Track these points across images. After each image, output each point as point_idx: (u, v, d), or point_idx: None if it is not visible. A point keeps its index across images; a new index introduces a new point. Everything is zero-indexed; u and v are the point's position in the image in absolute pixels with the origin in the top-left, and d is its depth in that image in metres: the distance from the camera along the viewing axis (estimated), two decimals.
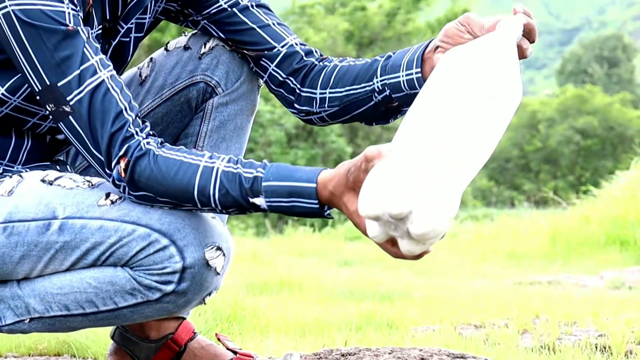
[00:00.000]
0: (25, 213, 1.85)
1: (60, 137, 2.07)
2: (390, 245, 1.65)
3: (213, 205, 1.78)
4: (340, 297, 4.65)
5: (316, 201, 1.73)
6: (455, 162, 1.61)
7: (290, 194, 1.74)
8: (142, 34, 2.09)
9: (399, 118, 2.09)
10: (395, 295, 4.69)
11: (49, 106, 1.80)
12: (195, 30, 2.17)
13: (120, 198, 1.84)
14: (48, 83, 1.78)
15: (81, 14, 1.83)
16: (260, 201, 1.76)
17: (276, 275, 5.28)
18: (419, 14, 29.85)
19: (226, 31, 2.12)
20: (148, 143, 1.79)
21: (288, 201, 1.75)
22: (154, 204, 1.82)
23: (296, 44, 2.11)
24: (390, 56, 2.05)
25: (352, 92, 2.06)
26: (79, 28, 1.79)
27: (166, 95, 2.16)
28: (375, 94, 2.04)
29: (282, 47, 2.10)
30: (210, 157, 1.79)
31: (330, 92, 2.09)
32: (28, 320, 1.89)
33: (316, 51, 2.14)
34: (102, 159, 1.80)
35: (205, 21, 2.13)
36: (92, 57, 1.79)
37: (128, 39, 2.05)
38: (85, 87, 1.78)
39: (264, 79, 2.14)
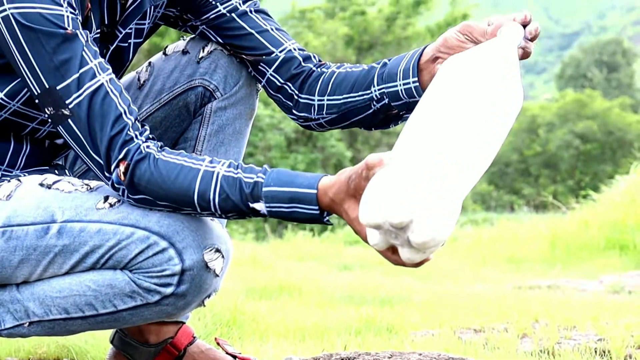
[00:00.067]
0: (24, 217, 1.85)
1: (59, 141, 2.07)
2: (391, 253, 1.65)
3: (213, 209, 1.78)
4: (339, 302, 4.65)
5: (316, 207, 1.74)
6: (455, 171, 1.61)
7: (291, 200, 1.74)
8: (141, 40, 2.09)
9: (400, 124, 2.09)
10: (394, 300, 4.68)
11: (48, 110, 1.80)
12: (194, 35, 2.17)
13: (118, 201, 1.84)
14: (47, 86, 1.79)
15: (80, 18, 1.83)
16: (260, 206, 1.76)
17: (276, 279, 5.28)
18: (418, 19, 29.85)
19: (225, 36, 2.12)
20: (148, 147, 1.79)
21: (288, 207, 1.75)
22: (153, 208, 1.82)
23: (294, 49, 2.12)
24: (386, 63, 2.04)
25: (350, 99, 2.06)
26: (77, 31, 1.79)
27: (165, 100, 2.17)
28: (374, 103, 2.04)
29: (280, 52, 2.10)
30: (211, 162, 1.79)
31: (328, 100, 2.09)
32: (27, 324, 1.89)
33: (314, 56, 2.14)
34: (101, 162, 1.80)
35: (204, 26, 2.13)
36: (91, 61, 1.79)
37: (126, 44, 2.05)
38: (84, 91, 1.78)
39: (262, 84, 2.14)
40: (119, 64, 2.07)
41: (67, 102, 1.78)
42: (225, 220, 2.15)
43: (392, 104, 2.02)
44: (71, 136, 1.81)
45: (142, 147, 1.78)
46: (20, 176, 1.95)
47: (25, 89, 1.90)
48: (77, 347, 2.71)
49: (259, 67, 2.11)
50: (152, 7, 2.07)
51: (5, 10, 1.77)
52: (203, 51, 2.14)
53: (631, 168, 10.50)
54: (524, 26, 1.89)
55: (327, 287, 5.28)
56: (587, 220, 8.95)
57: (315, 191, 1.73)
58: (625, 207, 8.81)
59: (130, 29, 2.04)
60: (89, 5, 1.90)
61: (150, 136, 1.82)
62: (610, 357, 2.65)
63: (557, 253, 8.52)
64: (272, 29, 2.12)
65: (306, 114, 2.12)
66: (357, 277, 6.30)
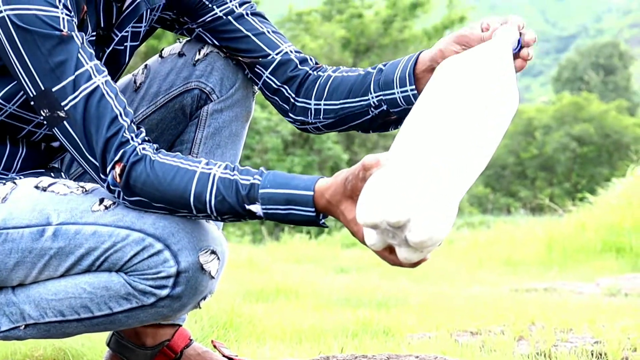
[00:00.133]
0: (19, 220, 1.84)
1: (55, 144, 2.07)
2: (388, 253, 1.65)
3: (209, 211, 1.78)
4: (336, 304, 4.65)
5: (313, 209, 1.74)
6: (452, 171, 1.61)
7: (287, 202, 1.74)
8: (138, 42, 2.09)
9: (399, 127, 2.08)
10: (391, 302, 4.68)
11: (44, 111, 1.80)
12: (190, 38, 2.17)
13: (114, 203, 1.84)
14: (43, 88, 1.78)
15: (75, 20, 1.83)
16: (256, 208, 1.76)
17: (272, 282, 5.28)
18: (415, 21, 29.86)
19: (221, 39, 2.12)
20: (144, 149, 1.79)
21: (284, 209, 1.75)
22: (149, 210, 1.82)
23: (291, 52, 2.12)
24: (381, 69, 2.04)
25: (347, 105, 2.07)
26: (73, 33, 1.79)
27: (160, 102, 2.17)
28: (372, 109, 2.04)
29: (277, 54, 2.10)
30: (207, 164, 1.79)
31: (325, 104, 2.09)
32: (23, 326, 1.88)
33: (311, 59, 2.14)
34: (97, 164, 1.79)
35: (200, 29, 2.13)
36: (87, 63, 1.79)
37: (123, 47, 2.05)
38: (80, 93, 1.78)
39: (259, 86, 2.14)
40: (115, 67, 2.07)
41: (62, 104, 1.78)
42: (222, 223, 2.15)
43: (391, 110, 2.03)
44: (67, 138, 1.81)
45: (138, 149, 1.78)
46: (16, 179, 1.95)
47: (22, 92, 1.90)
48: (73, 350, 2.71)
49: (255, 69, 2.12)
50: (149, 10, 2.06)
51: (1, 12, 1.77)
52: (199, 53, 2.14)
53: (628, 171, 10.52)
54: (520, 33, 1.90)
55: (324, 289, 5.28)
56: (584, 223, 8.96)
57: (311, 193, 1.73)
58: (621, 210, 8.82)
59: (127, 32, 2.04)
60: (85, 7, 1.90)
61: (146, 138, 1.82)
62: None
63: (554, 256, 8.52)
64: (268, 32, 2.12)
65: (303, 118, 2.12)
66: (354, 280, 6.30)
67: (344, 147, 26.39)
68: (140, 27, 2.07)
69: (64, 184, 1.90)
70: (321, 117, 2.10)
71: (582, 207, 10.62)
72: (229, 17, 2.11)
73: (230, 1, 2.12)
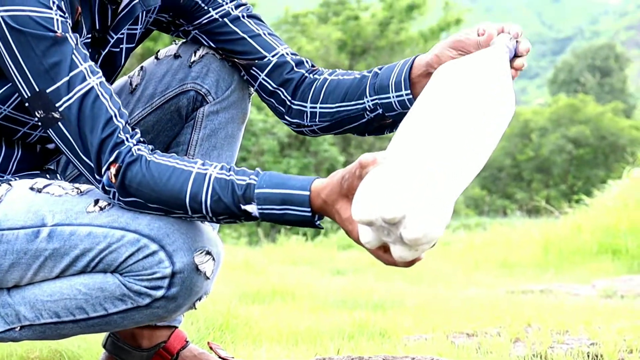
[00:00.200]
0: (14, 221, 1.84)
1: (51, 146, 2.07)
2: (382, 252, 1.65)
3: (204, 212, 1.78)
4: (332, 306, 4.65)
5: (308, 209, 1.74)
6: (448, 172, 1.62)
7: (283, 202, 1.74)
8: (133, 45, 2.09)
9: (395, 131, 2.09)
10: (387, 304, 4.68)
11: (38, 113, 1.80)
12: (186, 40, 2.17)
13: (109, 204, 1.84)
14: (37, 89, 1.78)
15: (69, 21, 1.83)
16: (252, 208, 1.76)
17: (269, 284, 5.28)
18: (411, 24, 29.88)
19: (217, 41, 2.12)
20: (139, 149, 1.79)
21: (280, 209, 1.75)
22: (144, 211, 1.82)
23: (287, 54, 2.12)
24: (377, 73, 2.05)
25: (343, 108, 2.07)
26: (67, 35, 1.79)
27: (156, 104, 2.16)
28: (367, 112, 2.04)
29: (273, 56, 2.11)
30: (203, 164, 1.79)
31: (320, 107, 2.09)
32: (19, 328, 1.88)
33: (307, 61, 2.14)
34: (92, 165, 1.79)
35: (196, 31, 2.13)
36: (81, 64, 1.79)
37: (118, 50, 2.05)
38: (74, 94, 1.77)
39: (255, 88, 2.14)
40: (111, 69, 2.07)
41: (57, 105, 1.78)
42: (218, 225, 2.15)
43: (386, 114, 2.03)
44: (61, 139, 1.81)
45: (133, 150, 1.78)
46: (11, 180, 1.95)
47: (17, 94, 1.90)
48: (69, 352, 2.71)
49: (251, 71, 2.12)
50: (144, 12, 2.06)
51: None
52: (195, 55, 2.14)
53: (624, 173, 10.53)
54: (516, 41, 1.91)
55: (320, 291, 5.28)
56: (580, 225, 8.96)
57: (307, 193, 1.73)
58: (617, 212, 8.83)
59: (122, 34, 2.04)
60: (79, 9, 1.90)
61: (141, 139, 1.82)
62: None
63: (550, 257, 8.53)
64: (264, 34, 2.12)
65: (299, 120, 2.12)
66: (350, 282, 6.30)
67: (340, 149, 26.40)
68: (136, 29, 2.07)
69: (59, 186, 1.90)
70: (317, 120, 2.11)
71: (578, 209, 10.62)
72: (225, 20, 2.11)
73: (226, 3, 2.12)
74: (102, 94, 1.80)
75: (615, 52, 65.95)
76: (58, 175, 2.13)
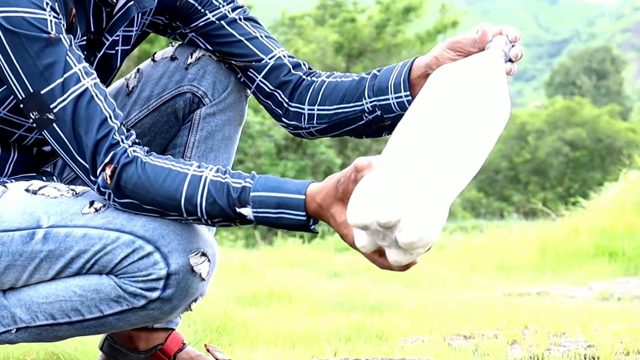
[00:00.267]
0: (10, 223, 1.84)
1: (47, 149, 2.07)
2: (378, 256, 1.65)
3: (199, 214, 1.78)
4: (329, 308, 4.65)
5: (303, 213, 1.74)
6: (443, 175, 1.62)
7: (278, 205, 1.74)
8: (129, 47, 2.08)
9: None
10: (384, 306, 4.68)
11: (33, 114, 1.80)
12: (183, 42, 2.17)
13: (104, 206, 1.84)
14: (31, 91, 1.78)
15: (63, 22, 1.83)
16: (247, 211, 1.76)
17: (265, 286, 5.28)
18: (408, 26, 29.90)
19: (214, 43, 2.12)
20: (135, 151, 1.79)
21: (275, 212, 1.75)
22: (139, 212, 1.82)
23: (284, 56, 2.12)
24: (375, 75, 2.05)
25: (340, 110, 2.07)
26: (61, 36, 1.79)
27: (153, 106, 2.16)
28: (366, 114, 2.04)
29: (270, 58, 2.10)
30: (199, 167, 1.79)
31: (318, 109, 2.09)
32: (15, 330, 1.88)
33: (304, 64, 2.14)
34: (87, 166, 1.79)
35: (193, 34, 2.13)
36: (75, 65, 1.79)
37: (114, 52, 2.05)
38: (69, 95, 1.77)
39: (252, 90, 2.14)
40: (107, 71, 2.06)
41: (51, 106, 1.78)
42: (215, 228, 2.15)
43: (385, 116, 2.03)
44: (56, 140, 1.80)
45: (129, 151, 1.78)
46: (7, 182, 1.95)
47: (12, 96, 1.90)
48: (66, 354, 2.70)
49: (248, 73, 2.12)
50: (140, 14, 2.06)
51: None
52: (191, 57, 2.14)
53: (620, 175, 10.54)
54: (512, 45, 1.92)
55: (317, 294, 5.28)
56: (577, 227, 8.97)
57: (303, 197, 1.73)
58: (614, 214, 8.83)
59: (118, 36, 2.03)
60: (74, 10, 1.90)
61: (137, 141, 1.82)
62: None
63: (547, 260, 8.53)
64: (261, 36, 2.12)
65: (296, 123, 2.12)
66: (347, 284, 6.29)
67: (337, 151, 26.41)
68: (132, 31, 2.06)
69: (55, 187, 1.89)
70: (315, 122, 2.10)
71: (574, 211, 10.62)
72: (222, 22, 2.11)
73: (223, 6, 2.12)
74: (96, 95, 1.80)
75: (612, 54, 66.06)
76: (55, 177, 2.13)
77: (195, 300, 1.88)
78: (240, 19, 2.12)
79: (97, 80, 1.82)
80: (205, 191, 1.76)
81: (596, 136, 39.39)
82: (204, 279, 1.85)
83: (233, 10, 2.12)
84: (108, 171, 1.78)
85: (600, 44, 77.37)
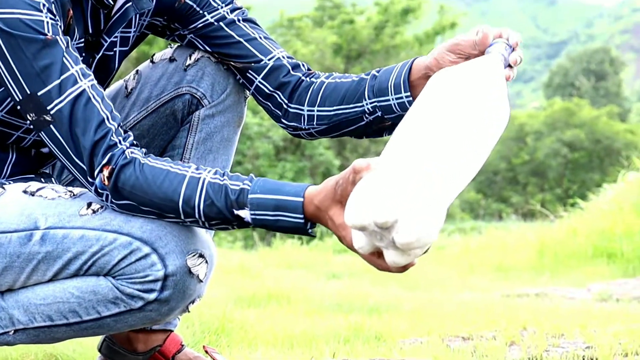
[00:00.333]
0: (7, 224, 1.84)
1: (45, 150, 2.07)
2: (376, 258, 1.65)
3: (197, 216, 1.78)
4: (328, 310, 4.65)
5: (301, 216, 1.73)
6: (440, 177, 1.62)
7: (276, 208, 1.74)
8: (127, 48, 2.08)
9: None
10: (383, 308, 4.68)
11: (30, 116, 1.80)
12: (182, 44, 2.17)
13: (101, 207, 1.84)
14: (28, 92, 1.78)
15: (60, 24, 1.83)
16: (245, 213, 1.75)
17: (264, 287, 5.28)
18: (407, 27, 29.91)
19: (213, 45, 2.12)
20: (132, 152, 1.79)
21: (273, 215, 1.75)
22: (137, 214, 1.82)
23: (283, 57, 2.12)
24: (375, 76, 2.04)
25: (341, 111, 2.07)
26: (57, 37, 1.79)
27: (152, 108, 2.16)
28: (366, 115, 2.04)
29: (269, 59, 2.10)
30: (197, 169, 1.79)
31: (318, 110, 2.09)
32: (12, 331, 1.88)
33: (303, 65, 2.14)
34: (84, 167, 1.79)
35: (191, 35, 2.13)
36: (72, 67, 1.79)
37: (112, 53, 2.05)
38: (66, 97, 1.77)
39: (251, 91, 2.14)
40: (106, 73, 2.06)
41: (48, 108, 1.78)
42: (213, 233, 2.15)
43: (386, 116, 2.03)
44: (53, 142, 1.80)
45: (126, 153, 1.78)
46: (5, 184, 1.95)
47: (9, 98, 1.89)
48: (64, 356, 2.70)
49: (248, 74, 2.11)
50: (138, 15, 2.06)
51: None
52: (190, 59, 2.14)
53: (619, 176, 10.55)
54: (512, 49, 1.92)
55: (316, 295, 5.28)
56: (575, 229, 8.97)
57: (301, 199, 1.73)
58: (613, 216, 8.83)
59: (116, 37, 2.03)
60: (71, 12, 1.90)
61: (134, 142, 1.82)
62: None
63: (545, 261, 8.53)
64: (260, 37, 2.12)
65: (296, 124, 2.12)
66: (346, 286, 6.30)
67: (335, 152, 26.42)
68: (130, 32, 2.06)
69: (52, 189, 1.89)
70: (314, 123, 2.10)
71: (573, 212, 10.63)
72: (221, 24, 2.11)
73: (222, 7, 2.12)
74: (94, 97, 1.80)
75: (610, 55, 66.12)
76: (53, 179, 2.13)
77: (193, 302, 1.88)
78: (239, 20, 2.12)
79: (95, 81, 1.82)
80: (203, 193, 1.76)
81: (595, 137, 39.42)
82: (201, 281, 1.85)
83: (232, 11, 2.12)
84: (106, 172, 1.78)
85: (598, 45, 77.47)
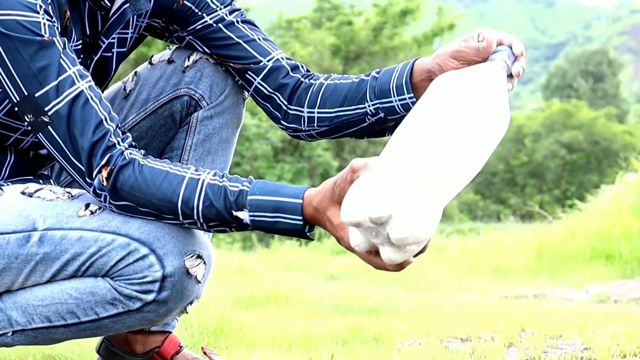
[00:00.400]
0: (5, 225, 1.84)
1: (43, 152, 2.07)
2: (373, 256, 1.65)
3: (196, 217, 1.78)
4: (326, 311, 4.65)
5: (300, 217, 1.74)
6: (437, 175, 1.63)
7: (275, 209, 1.74)
8: (125, 49, 2.08)
9: None
10: (381, 309, 4.69)
11: (28, 117, 1.80)
12: (180, 45, 2.17)
13: (99, 208, 1.84)
14: (26, 94, 1.78)
15: (57, 25, 1.83)
16: (243, 215, 1.75)
17: (262, 289, 5.28)
18: (405, 29, 29.92)
19: (212, 46, 2.12)
20: (131, 153, 1.79)
21: (272, 216, 1.75)
22: (135, 215, 1.82)
23: (282, 59, 2.12)
24: (375, 77, 2.04)
25: (342, 113, 2.06)
26: (54, 39, 1.79)
27: (150, 109, 2.16)
28: (369, 116, 2.04)
29: (268, 61, 2.10)
30: (196, 170, 1.80)
31: (319, 112, 2.09)
32: (11, 333, 1.88)
33: (302, 66, 2.14)
34: (83, 168, 1.79)
35: (190, 37, 2.13)
36: (70, 68, 1.79)
37: (110, 54, 2.05)
38: (64, 98, 1.77)
39: (250, 93, 2.14)
40: (104, 74, 2.06)
41: (46, 109, 1.78)
42: (211, 235, 2.15)
43: (389, 117, 2.02)
44: (51, 143, 1.80)
45: (125, 154, 1.78)
46: (3, 185, 1.95)
47: (7, 100, 1.89)
48: (63, 357, 2.70)
49: (247, 75, 2.11)
50: (135, 16, 2.06)
51: None
52: (188, 60, 2.14)
53: (617, 178, 10.55)
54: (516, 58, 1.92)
55: (314, 296, 5.28)
56: (573, 230, 8.97)
57: (300, 201, 1.73)
58: (611, 217, 8.84)
59: (113, 38, 2.03)
60: (68, 14, 1.90)
61: (133, 143, 1.82)
62: None
63: (544, 262, 8.54)
64: (259, 39, 2.12)
65: (295, 125, 2.12)
66: (344, 287, 6.30)
67: (333, 154, 26.42)
68: (127, 33, 2.06)
69: (50, 190, 1.89)
70: (315, 124, 2.10)
71: (571, 214, 10.63)
72: (220, 25, 2.11)
73: (220, 9, 2.12)
74: (91, 98, 1.80)
75: (608, 57, 66.16)
76: (52, 180, 2.13)
77: (191, 303, 1.88)
78: (237, 22, 2.12)
79: (92, 82, 1.82)
80: (202, 194, 1.76)
81: (593, 139, 39.44)
82: (199, 282, 1.85)
83: (230, 13, 2.12)
84: (104, 173, 1.78)
85: (597, 47, 77.52)
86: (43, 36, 1.78)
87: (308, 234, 1.76)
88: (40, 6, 1.79)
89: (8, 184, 1.97)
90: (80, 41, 1.96)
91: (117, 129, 1.80)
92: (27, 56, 1.77)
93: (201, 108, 2.14)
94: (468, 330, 3.47)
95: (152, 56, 2.20)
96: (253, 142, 24.02)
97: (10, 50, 1.77)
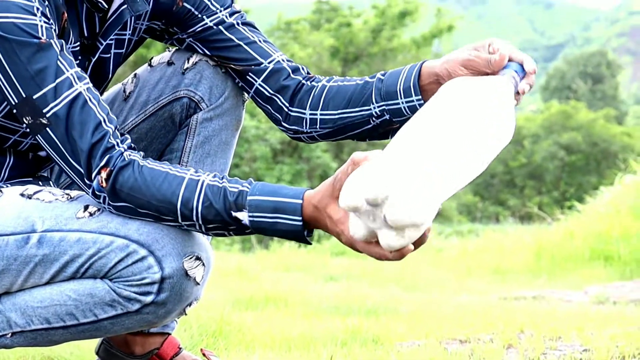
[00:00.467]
0: (4, 227, 1.84)
1: (43, 153, 2.07)
2: (373, 246, 1.65)
3: (195, 218, 1.78)
4: (325, 312, 4.65)
5: (299, 218, 1.74)
6: (435, 164, 1.64)
7: (275, 210, 1.74)
8: (123, 50, 2.08)
9: None
10: (380, 310, 4.68)
11: (26, 119, 1.80)
12: (180, 47, 2.17)
13: (98, 210, 1.84)
14: (24, 96, 1.78)
15: (55, 28, 1.83)
16: (243, 216, 1.75)
17: (262, 290, 5.28)
18: (404, 30, 29.93)
19: (212, 48, 2.12)
20: (130, 154, 1.79)
21: (271, 217, 1.75)
22: (134, 216, 1.82)
23: (283, 61, 2.12)
24: (381, 79, 2.03)
25: (346, 115, 2.06)
26: (51, 41, 1.79)
27: (150, 111, 2.16)
28: (373, 118, 2.04)
29: (269, 62, 2.10)
30: (196, 172, 1.80)
31: (321, 114, 2.08)
32: (10, 334, 1.88)
33: (303, 68, 2.14)
34: (81, 170, 1.79)
35: (190, 39, 2.13)
36: (67, 70, 1.79)
37: (108, 56, 2.05)
38: (62, 100, 1.77)
39: (251, 94, 2.14)
40: (103, 76, 2.06)
41: (44, 111, 1.78)
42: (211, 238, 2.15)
43: (394, 119, 2.02)
44: (50, 145, 1.81)
45: (125, 155, 1.79)
46: (2, 187, 1.95)
47: (5, 103, 1.90)
48: (62, 359, 2.70)
49: (247, 77, 2.11)
50: (134, 18, 2.06)
51: None
52: (188, 62, 2.14)
53: (616, 179, 10.56)
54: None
55: (313, 297, 5.28)
56: (572, 231, 8.98)
57: (300, 201, 1.74)
58: (609, 218, 8.84)
59: (111, 40, 2.04)
60: (65, 15, 1.90)
61: (132, 145, 1.82)
62: None
63: (542, 264, 8.54)
64: (259, 41, 2.12)
65: (297, 127, 2.12)
66: (343, 288, 6.30)
67: (332, 155, 26.42)
68: (125, 34, 2.06)
69: (50, 192, 1.90)
70: (317, 126, 2.10)
71: (570, 215, 10.64)
72: (220, 27, 2.11)
73: (220, 11, 2.12)
74: (90, 99, 1.80)
75: (607, 58, 66.19)
76: (51, 182, 2.13)
77: (190, 305, 1.88)
78: (238, 24, 2.12)
79: (90, 84, 1.82)
80: (202, 194, 1.77)
81: (592, 140, 39.46)
82: (198, 283, 1.85)
83: (230, 15, 2.12)
84: (104, 174, 1.78)
85: (595, 48, 77.58)
86: (40, 38, 1.78)
87: (307, 236, 1.76)
88: (38, 8, 1.79)
89: (7, 186, 1.97)
90: (78, 43, 1.96)
91: (116, 130, 1.80)
92: (24, 58, 1.77)
93: (201, 110, 2.14)
94: (467, 331, 3.47)
95: (152, 58, 2.20)
96: (252, 144, 24.02)
97: (8, 53, 1.77)
